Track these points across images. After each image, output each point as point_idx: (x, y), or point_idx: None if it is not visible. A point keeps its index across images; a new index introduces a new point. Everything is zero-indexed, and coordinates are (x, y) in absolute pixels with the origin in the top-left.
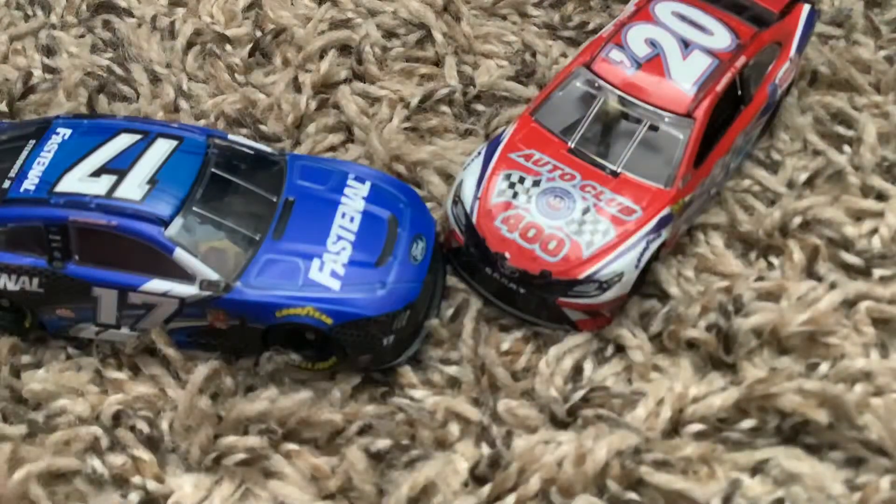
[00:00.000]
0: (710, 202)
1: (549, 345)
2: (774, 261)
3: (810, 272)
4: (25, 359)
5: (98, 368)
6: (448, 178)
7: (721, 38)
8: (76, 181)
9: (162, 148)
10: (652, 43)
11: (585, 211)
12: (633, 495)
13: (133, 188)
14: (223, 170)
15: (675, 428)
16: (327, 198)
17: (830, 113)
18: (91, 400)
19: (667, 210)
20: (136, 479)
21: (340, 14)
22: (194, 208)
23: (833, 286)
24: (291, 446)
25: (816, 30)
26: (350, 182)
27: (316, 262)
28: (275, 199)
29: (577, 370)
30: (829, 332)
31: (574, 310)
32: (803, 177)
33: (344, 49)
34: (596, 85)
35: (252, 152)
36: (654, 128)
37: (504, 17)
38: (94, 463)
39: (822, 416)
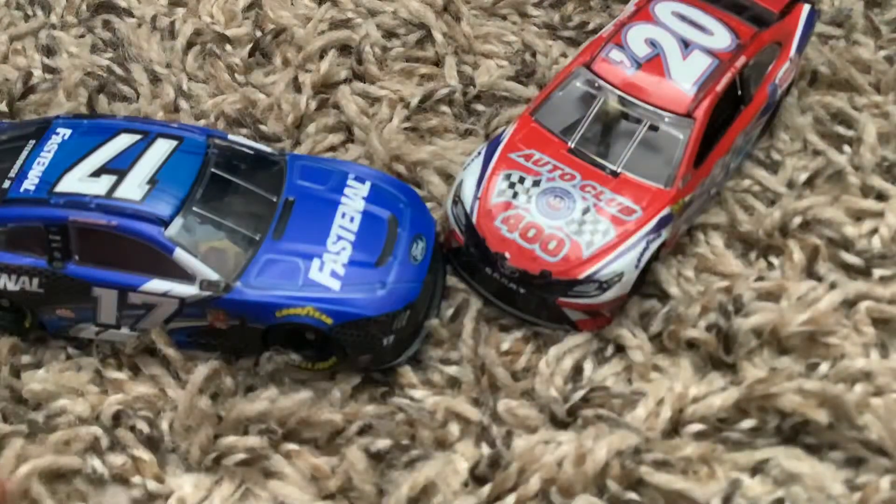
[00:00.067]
0: (710, 202)
1: (549, 345)
2: (774, 261)
3: (810, 272)
4: (25, 359)
5: (98, 368)
6: (448, 178)
7: (721, 38)
8: (76, 181)
9: (162, 148)
10: (652, 43)
11: (585, 211)
12: (633, 495)
13: (133, 188)
14: (223, 170)
15: (675, 428)
16: (327, 198)
17: (830, 113)
18: (91, 400)
19: (667, 210)
20: (136, 479)
21: (340, 14)
22: (194, 208)
23: (833, 286)
24: (291, 446)
25: (816, 30)
26: (350, 182)
27: (316, 262)
28: (275, 199)
29: (577, 370)
30: (829, 332)
31: (574, 310)
32: (803, 177)
33: (344, 49)
34: (596, 85)
35: (252, 152)
36: (654, 128)
37: (504, 17)
38: (95, 463)
39: (822, 416)
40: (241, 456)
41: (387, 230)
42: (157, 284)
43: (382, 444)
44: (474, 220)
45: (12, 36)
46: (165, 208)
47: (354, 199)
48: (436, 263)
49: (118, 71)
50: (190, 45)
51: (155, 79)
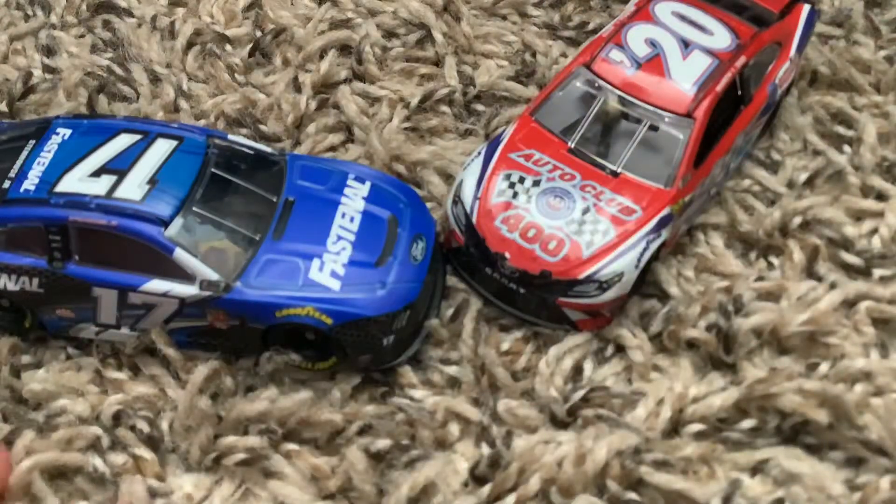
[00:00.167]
0: (710, 202)
1: (549, 345)
2: (774, 261)
3: (810, 272)
4: (25, 359)
5: (98, 368)
6: (448, 178)
7: (721, 38)
8: (76, 181)
9: (162, 148)
10: (652, 43)
11: (585, 211)
12: (633, 495)
13: (133, 188)
14: (223, 170)
15: (675, 428)
16: (327, 198)
17: (830, 113)
18: (91, 400)
19: (667, 210)
20: (139, 478)
21: (340, 14)
22: (194, 208)
23: (833, 286)
24: (291, 446)
25: (816, 30)
26: (350, 182)
27: (316, 262)
28: (275, 199)
29: (577, 370)
30: (829, 332)
31: (574, 310)
32: (803, 177)
33: (344, 49)
34: (596, 85)
35: (252, 152)
36: (654, 128)
37: (504, 17)
38: (96, 462)
39: (822, 416)
40: (241, 456)
41: (387, 230)
42: (157, 284)
43: (382, 444)
44: (474, 220)
45: (12, 36)
46: (165, 208)
47: (354, 199)
48: (436, 263)
49: (118, 71)
50: (190, 45)
51: (155, 79)
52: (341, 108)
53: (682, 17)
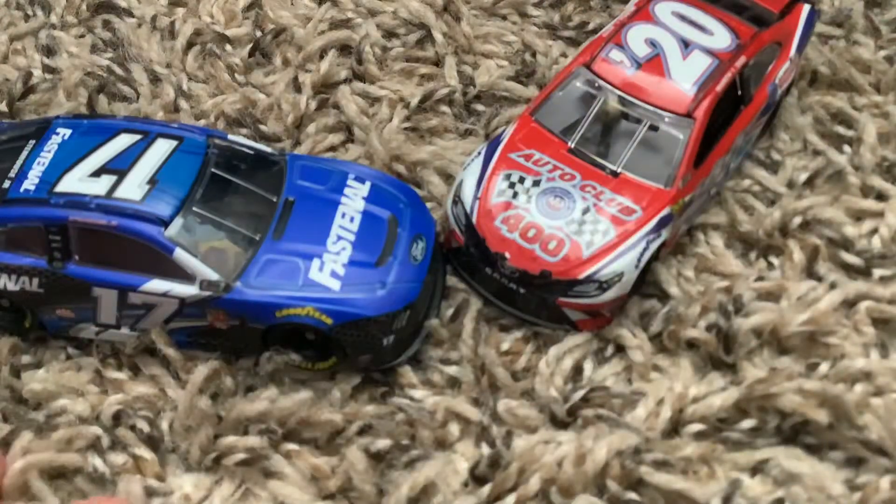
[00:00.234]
0: (710, 202)
1: (549, 345)
2: (774, 261)
3: (810, 272)
4: (25, 359)
5: (98, 368)
6: (448, 178)
7: (721, 38)
8: (76, 181)
9: (162, 148)
10: (652, 43)
11: (585, 211)
12: (633, 495)
13: (133, 188)
14: (223, 170)
15: (675, 428)
16: (327, 198)
17: (830, 113)
18: (91, 400)
19: (667, 210)
20: (137, 478)
21: (340, 14)
22: (194, 208)
23: (833, 286)
24: (291, 446)
25: (816, 30)
26: (350, 182)
27: (316, 262)
28: (275, 199)
29: (577, 370)
30: (829, 332)
31: (574, 310)
32: (803, 177)
33: (344, 49)
34: (596, 85)
35: (252, 152)
36: (654, 128)
37: (504, 17)
38: (96, 461)
39: (822, 416)
40: (241, 456)
41: (387, 230)
42: (157, 284)
43: (382, 444)
44: (474, 220)
45: (12, 36)
46: (165, 208)
47: (354, 199)
48: (436, 263)
49: (118, 71)
50: (190, 45)
51: (155, 79)
52: (341, 108)
53: (682, 17)
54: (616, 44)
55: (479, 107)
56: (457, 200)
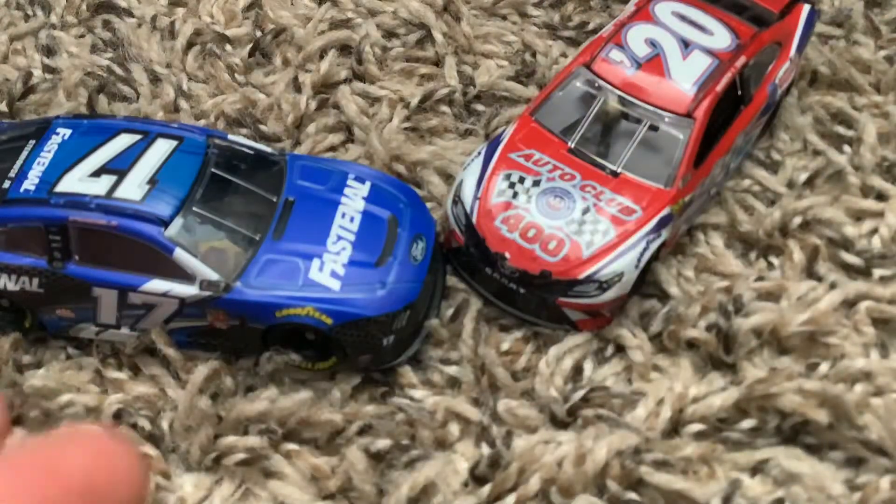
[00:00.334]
0: (710, 202)
1: (549, 345)
2: (774, 261)
3: (810, 272)
4: (26, 359)
5: (98, 368)
6: (448, 178)
7: (721, 38)
8: (76, 181)
9: (162, 148)
10: (652, 43)
11: (585, 211)
12: (633, 495)
13: (133, 188)
14: (223, 170)
15: (675, 428)
16: (327, 198)
17: (830, 113)
18: (92, 399)
19: (667, 210)
20: None
21: (340, 14)
22: (194, 208)
23: (833, 286)
24: (291, 446)
25: (816, 30)
26: (350, 182)
27: (316, 262)
28: (275, 199)
29: (577, 370)
30: (829, 332)
31: (574, 310)
32: (803, 177)
33: (344, 49)
34: (596, 85)
35: (252, 152)
36: (654, 128)
37: (504, 17)
38: None
39: (822, 416)
40: (241, 456)
41: (387, 230)
42: (157, 284)
43: (382, 444)
44: (474, 220)
45: (12, 36)
46: (165, 208)
47: (354, 199)
48: (436, 263)
49: (118, 71)
50: (190, 45)
51: (155, 79)
52: (341, 108)
53: (682, 17)
54: (616, 44)
55: (479, 107)
56: (457, 200)
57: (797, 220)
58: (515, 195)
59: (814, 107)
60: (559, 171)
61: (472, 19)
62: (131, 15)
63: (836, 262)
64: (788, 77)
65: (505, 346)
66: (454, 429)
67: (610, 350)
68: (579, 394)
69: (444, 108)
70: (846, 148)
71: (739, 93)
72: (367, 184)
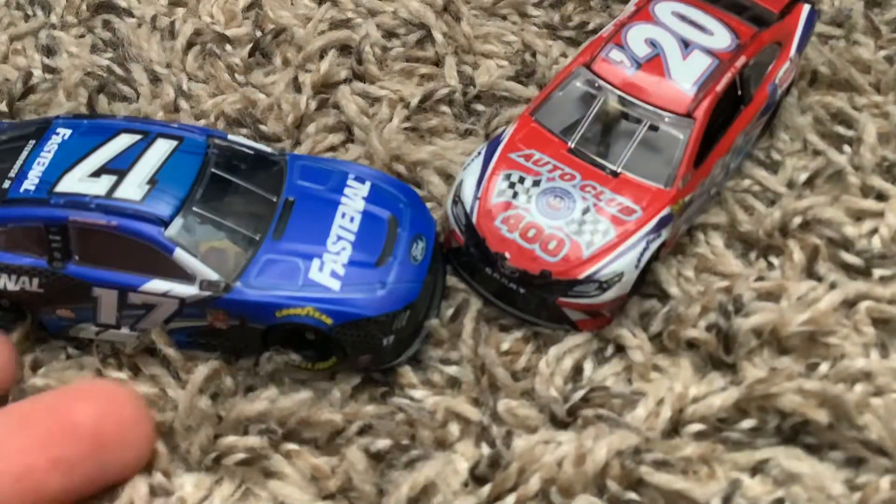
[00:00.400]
0: (710, 202)
1: (549, 345)
2: (774, 261)
3: (810, 272)
4: (26, 359)
5: (98, 368)
6: (448, 178)
7: (721, 38)
8: (76, 181)
9: (162, 148)
10: (652, 43)
11: (585, 211)
12: (633, 495)
13: (133, 188)
14: (223, 170)
15: (675, 428)
16: (327, 198)
17: (830, 113)
18: None
19: (667, 210)
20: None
21: (340, 14)
22: (194, 208)
23: (833, 286)
24: (291, 446)
25: (816, 30)
26: (350, 182)
27: (316, 263)
28: (275, 199)
29: (577, 370)
30: (829, 332)
31: (574, 310)
32: (803, 177)
33: (344, 49)
34: (596, 85)
35: (252, 152)
36: (654, 128)
37: (504, 17)
38: None
39: (822, 416)
40: (241, 456)
41: (387, 230)
42: (157, 284)
43: (382, 444)
44: (474, 220)
45: (12, 36)
46: (165, 208)
47: (354, 200)
48: (436, 263)
49: (118, 71)
50: (190, 45)
51: (155, 79)
52: (341, 108)
53: (682, 17)
54: (616, 44)
55: (479, 107)
56: (457, 200)
57: (797, 220)
58: (515, 195)
59: (814, 107)
60: (559, 171)
61: (472, 19)
62: (131, 15)
63: (836, 262)
64: (788, 77)
65: (505, 346)
66: (454, 429)
67: (610, 350)
68: (579, 394)
69: (444, 108)
70: (846, 148)
71: (739, 93)
72: (367, 184)
